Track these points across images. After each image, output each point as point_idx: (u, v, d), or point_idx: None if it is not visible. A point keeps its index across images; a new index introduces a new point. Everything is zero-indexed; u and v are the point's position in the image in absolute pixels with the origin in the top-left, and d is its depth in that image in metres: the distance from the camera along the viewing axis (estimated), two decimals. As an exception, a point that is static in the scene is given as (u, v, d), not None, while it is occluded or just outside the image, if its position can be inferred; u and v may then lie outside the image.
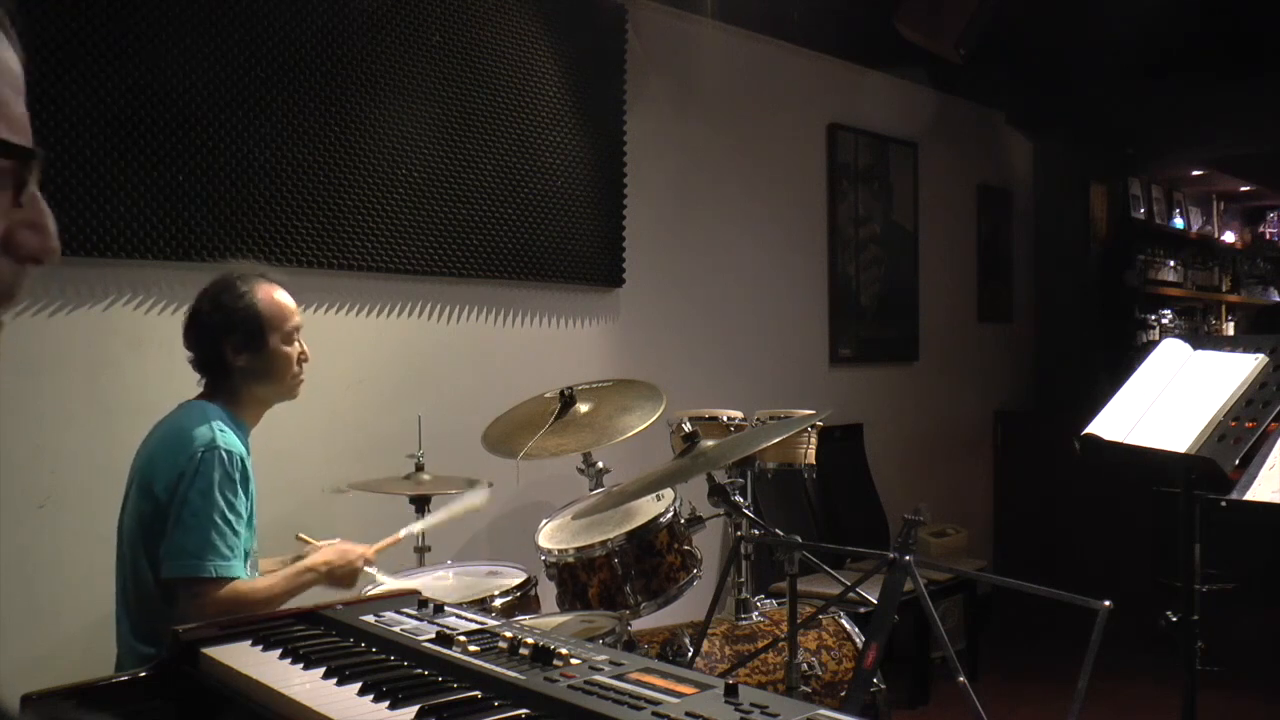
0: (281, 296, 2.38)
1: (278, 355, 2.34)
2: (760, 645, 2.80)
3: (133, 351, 2.84)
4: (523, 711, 1.24)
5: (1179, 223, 7.62)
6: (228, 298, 2.31)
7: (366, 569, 2.44)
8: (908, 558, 2.10)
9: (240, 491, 2.22)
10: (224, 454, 2.20)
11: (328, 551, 2.39)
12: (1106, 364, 5.99)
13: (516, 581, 2.66)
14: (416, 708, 1.26)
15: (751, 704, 1.18)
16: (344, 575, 2.37)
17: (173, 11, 2.84)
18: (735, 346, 4.59)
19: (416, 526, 2.67)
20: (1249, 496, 2.25)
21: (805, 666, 2.68)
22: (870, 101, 5.27)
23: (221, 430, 2.24)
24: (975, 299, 6.15)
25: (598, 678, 1.29)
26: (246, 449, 2.32)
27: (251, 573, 2.33)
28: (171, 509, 2.18)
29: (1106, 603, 1.87)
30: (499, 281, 3.67)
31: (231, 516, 2.19)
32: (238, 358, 2.31)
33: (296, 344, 2.38)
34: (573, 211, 3.84)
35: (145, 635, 2.21)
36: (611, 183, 3.99)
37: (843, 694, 2.74)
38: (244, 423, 2.36)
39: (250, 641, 1.63)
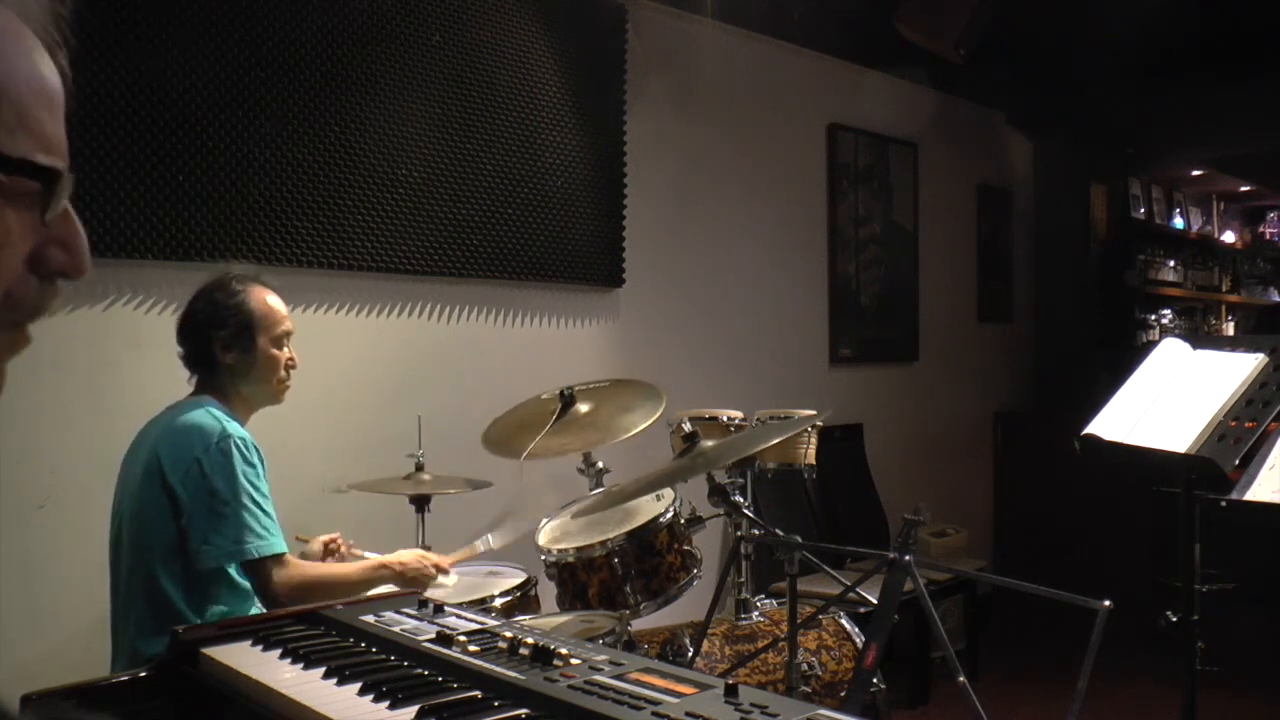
0: (274, 301, 2.43)
1: (265, 356, 2.38)
2: (760, 645, 2.80)
3: (132, 351, 2.84)
4: (523, 711, 1.24)
5: (1179, 223, 7.62)
6: (221, 295, 2.37)
7: (441, 578, 2.56)
8: (908, 558, 2.10)
9: (260, 474, 2.29)
10: (238, 440, 2.26)
11: (407, 554, 2.51)
12: (1106, 364, 5.99)
13: (516, 581, 2.66)
14: (416, 708, 1.26)
15: (751, 704, 1.18)
16: (416, 578, 2.47)
17: (173, 11, 2.84)
18: (735, 346, 4.59)
19: (493, 540, 2.73)
20: (1249, 496, 2.25)
21: (805, 666, 2.68)
22: (870, 101, 5.26)
23: (228, 420, 2.29)
24: (975, 299, 6.15)
25: (598, 678, 1.29)
26: None
27: None
28: (195, 500, 2.22)
29: (1106, 603, 1.87)
30: (499, 281, 3.67)
31: (258, 497, 2.26)
32: (226, 355, 2.36)
33: (285, 350, 2.43)
34: (573, 211, 3.84)
35: (154, 629, 2.22)
36: (611, 183, 3.99)
37: (843, 694, 2.74)
38: (237, 419, 2.37)
39: (250, 641, 1.63)
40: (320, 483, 3.12)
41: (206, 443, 2.23)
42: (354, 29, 3.22)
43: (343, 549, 2.70)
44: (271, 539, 2.26)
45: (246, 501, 2.23)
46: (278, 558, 2.26)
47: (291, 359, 2.45)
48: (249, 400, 2.43)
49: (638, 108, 4.08)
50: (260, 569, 2.25)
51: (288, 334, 2.44)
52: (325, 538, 2.69)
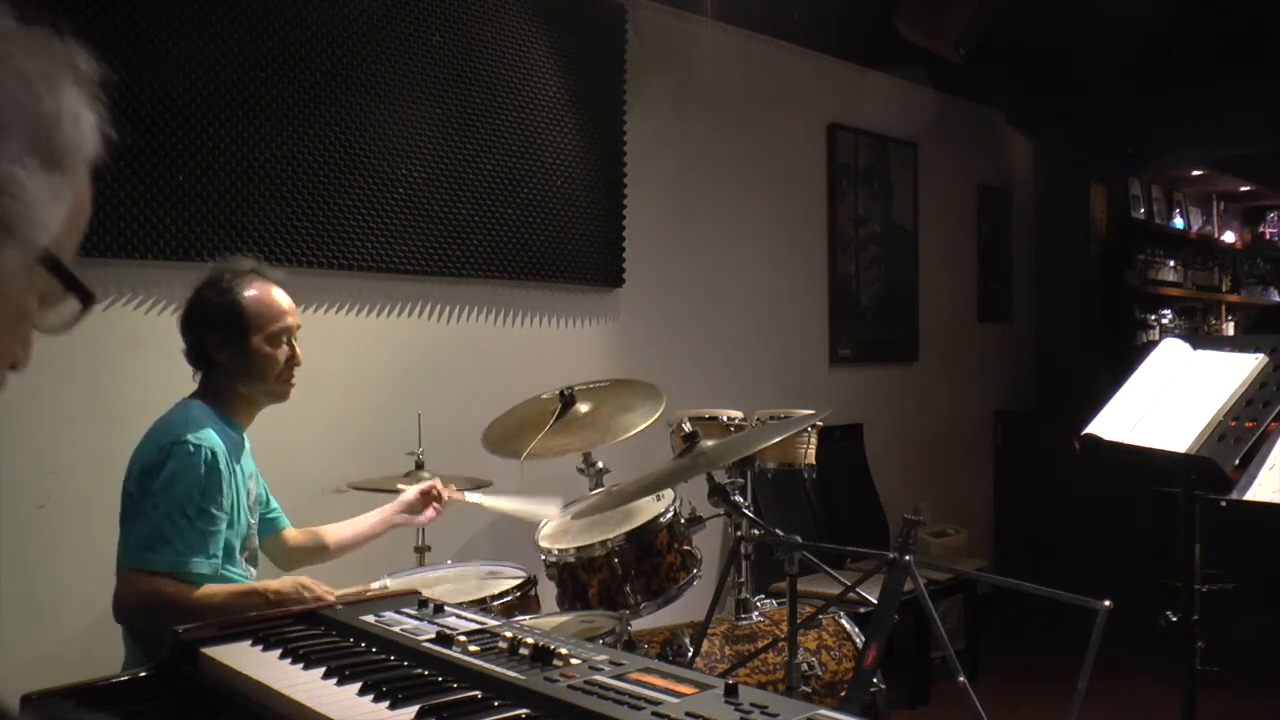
0: (275, 296, 2.31)
1: (259, 355, 2.27)
2: (760, 645, 2.80)
3: (132, 352, 2.84)
4: (523, 711, 1.24)
5: (1179, 223, 7.62)
6: (211, 293, 2.27)
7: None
8: (908, 558, 2.10)
9: (210, 487, 2.15)
10: (191, 448, 2.14)
11: (287, 581, 2.24)
12: (1106, 364, 5.98)
13: (516, 581, 2.66)
14: (416, 708, 1.26)
15: (751, 704, 1.18)
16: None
17: (173, 11, 2.84)
18: (735, 346, 4.59)
19: (390, 582, 2.56)
20: (1249, 496, 2.25)
21: (805, 666, 2.68)
22: (870, 101, 5.26)
23: (197, 426, 2.19)
24: (975, 299, 6.15)
25: (598, 678, 1.29)
26: (240, 447, 2.31)
27: (247, 567, 2.32)
28: (139, 499, 2.15)
29: (1106, 603, 1.87)
30: (499, 281, 3.67)
31: (192, 511, 2.12)
32: (219, 354, 2.27)
33: (285, 346, 2.31)
34: (573, 211, 3.84)
35: (133, 632, 2.21)
36: (611, 183, 3.99)
37: (843, 694, 2.74)
38: (235, 421, 2.32)
39: (250, 641, 1.63)
40: (320, 483, 3.11)
41: (161, 443, 2.15)
42: (354, 29, 3.22)
43: (445, 494, 2.67)
44: (190, 559, 2.10)
45: (175, 513, 2.10)
46: (179, 577, 2.09)
47: (294, 356, 2.32)
48: (250, 399, 2.33)
49: (638, 108, 4.08)
50: (143, 580, 2.08)
51: (288, 330, 2.31)
52: (424, 485, 2.64)
